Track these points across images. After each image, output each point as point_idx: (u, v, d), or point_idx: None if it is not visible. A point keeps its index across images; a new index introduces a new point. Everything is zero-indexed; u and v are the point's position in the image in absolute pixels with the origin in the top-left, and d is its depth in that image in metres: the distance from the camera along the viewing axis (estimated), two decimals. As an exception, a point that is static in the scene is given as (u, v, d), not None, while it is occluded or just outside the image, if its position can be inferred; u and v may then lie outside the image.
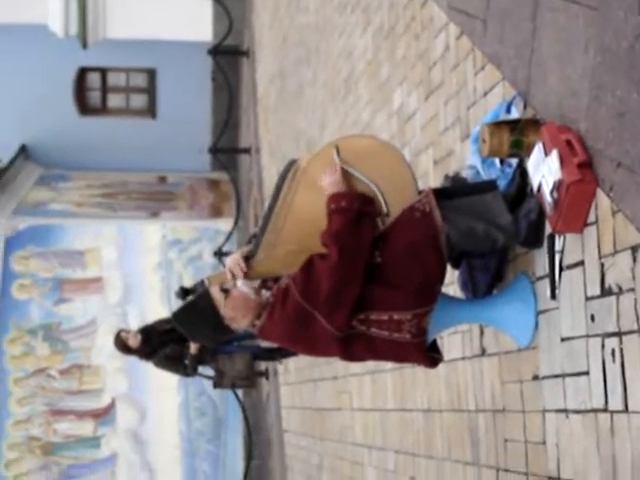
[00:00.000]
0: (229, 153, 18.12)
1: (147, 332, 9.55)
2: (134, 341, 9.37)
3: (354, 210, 3.97)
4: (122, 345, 9.52)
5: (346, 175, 4.04)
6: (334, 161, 4.05)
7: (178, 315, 4.23)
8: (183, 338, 8.78)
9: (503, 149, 3.99)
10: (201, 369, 10.16)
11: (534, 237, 4.05)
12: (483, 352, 4.93)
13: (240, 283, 4.08)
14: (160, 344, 9.41)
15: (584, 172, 3.48)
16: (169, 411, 16.75)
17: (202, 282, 4.31)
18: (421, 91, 6.06)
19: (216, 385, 10.85)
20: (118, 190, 18.63)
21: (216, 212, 18.25)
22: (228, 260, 4.21)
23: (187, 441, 16.80)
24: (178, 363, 9.60)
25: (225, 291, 4.07)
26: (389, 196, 4.07)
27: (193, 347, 9.40)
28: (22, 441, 16.54)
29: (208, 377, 10.91)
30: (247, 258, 4.16)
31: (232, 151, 18.15)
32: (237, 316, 4.07)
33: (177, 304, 4.33)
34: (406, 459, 6.59)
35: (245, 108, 17.57)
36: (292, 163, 4.16)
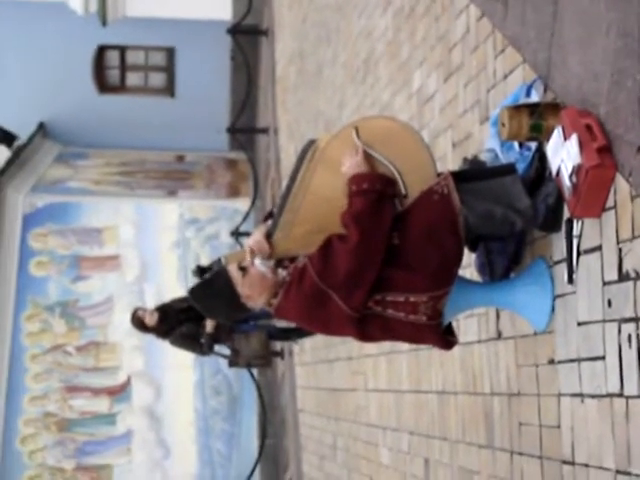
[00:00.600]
0: (247, 133, 18.11)
1: (164, 310, 9.57)
2: (151, 319, 9.40)
3: (376, 192, 3.97)
4: (139, 323, 9.55)
5: (367, 156, 4.04)
6: (354, 142, 4.05)
7: (195, 291, 4.25)
8: (200, 317, 8.80)
9: (522, 133, 3.98)
10: (217, 348, 10.18)
11: (552, 221, 4.04)
12: (499, 335, 4.93)
13: (258, 262, 4.09)
14: (177, 322, 9.43)
15: (603, 157, 3.47)
16: (185, 389, 16.82)
17: (219, 261, 4.32)
18: (441, 73, 6.04)
19: (231, 364, 10.87)
20: (136, 168, 18.66)
21: (233, 192, 18.26)
22: (250, 239, 4.21)
23: (202, 419, 16.87)
24: (194, 342, 9.61)
25: (243, 269, 4.08)
26: (407, 177, 4.06)
27: (209, 325, 9.41)
28: (38, 417, 16.64)
29: (224, 356, 10.93)
30: (267, 237, 4.17)
31: (250, 131, 18.14)
32: (254, 294, 4.09)
33: (194, 283, 4.32)
34: (420, 440, 6.61)
35: (264, 88, 17.54)
36: (311, 143, 4.16)
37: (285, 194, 4.16)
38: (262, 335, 10.31)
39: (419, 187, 4.05)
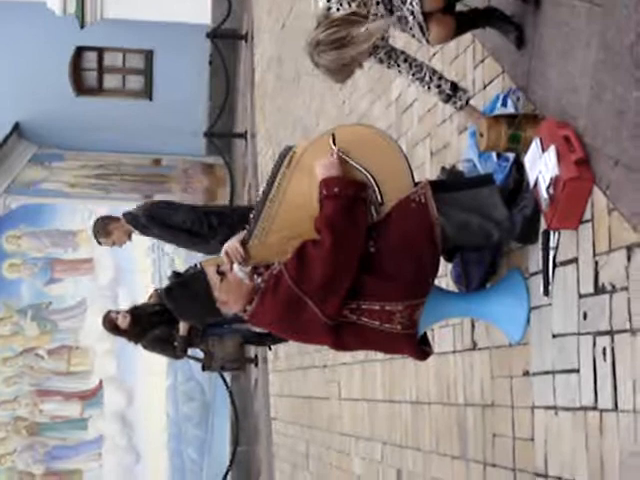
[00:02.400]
0: (224, 137, 18.06)
1: (137, 313, 9.49)
2: (123, 322, 9.31)
3: (346, 196, 3.94)
4: (111, 326, 9.46)
5: (342, 163, 4.01)
6: (330, 149, 4.02)
7: (171, 291, 4.22)
8: (173, 319, 8.71)
9: (500, 143, 3.97)
10: (191, 351, 10.12)
11: (529, 232, 4.04)
12: (474, 346, 4.91)
13: (237, 268, 4.07)
14: (150, 325, 9.34)
15: (581, 169, 3.46)
16: (157, 395, 16.74)
17: (195, 266, 4.30)
18: (419, 82, 6.02)
19: (205, 367, 10.82)
20: (112, 171, 18.57)
21: (210, 196, 18.21)
22: (226, 245, 4.19)
23: (174, 425, 16.80)
24: (167, 345, 9.53)
25: (221, 274, 4.06)
26: (384, 186, 4.04)
27: (182, 328, 9.35)
28: (8, 421, 16.52)
29: (197, 359, 10.87)
30: (243, 244, 4.16)
31: (227, 136, 18.08)
32: (230, 300, 4.06)
33: (165, 283, 4.30)
34: (393, 450, 6.58)
35: (242, 93, 17.50)
36: (288, 149, 4.14)
37: (261, 201, 4.14)
38: (237, 339, 10.26)
39: (395, 196, 4.04)
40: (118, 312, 9.42)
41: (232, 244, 4.16)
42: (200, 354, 10.62)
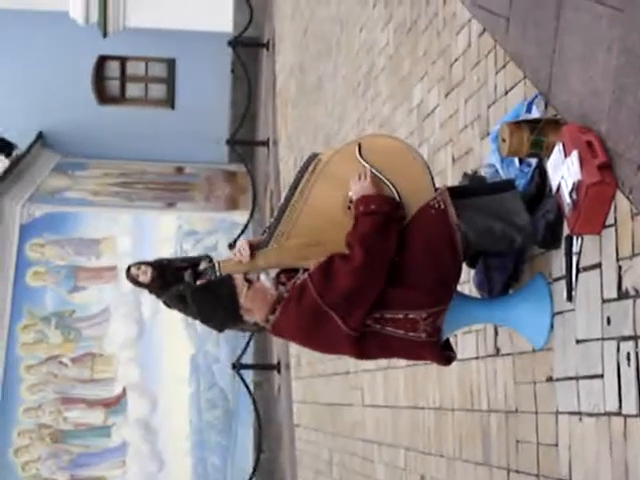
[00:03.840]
0: (246, 145, 18.10)
1: (161, 266, 9.28)
2: (144, 277, 9.14)
3: (383, 214, 3.95)
4: (133, 280, 9.30)
5: (373, 177, 4.03)
6: (356, 158, 4.04)
7: (197, 292, 4.23)
8: (197, 276, 8.61)
9: (523, 149, 3.96)
10: None
11: (552, 238, 4.03)
12: (497, 352, 4.90)
13: (263, 277, 4.09)
14: (174, 279, 9.14)
15: (604, 174, 3.45)
16: (180, 402, 16.76)
17: (213, 266, 4.30)
18: (441, 88, 6.03)
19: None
20: (135, 180, 18.64)
21: (232, 204, 18.25)
22: (238, 244, 4.23)
23: (197, 432, 16.81)
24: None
25: (248, 281, 4.07)
26: (405, 197, 4.05)
27: None
28: (32, 428, 16.57)
29: None
30: (257, 246, 4.17)
31: (250, 143, 18.12)
32: (254, 308, 4.08)
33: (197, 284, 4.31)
34: (416, 457, 6.57)
35: (264, 101, 17.54)
36: (313, 157, 4.16)
37: (283, 205, 4.16)
38: None
39: (416, 208, 4.05)
40: (139, 267, 9.23)
41: (242, 241, 4.20)
42: None
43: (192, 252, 17.42)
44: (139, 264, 9.31)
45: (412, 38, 6.85)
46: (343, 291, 3.88)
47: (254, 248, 4.18)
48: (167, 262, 9.46)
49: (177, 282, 9.07)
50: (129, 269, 9.31)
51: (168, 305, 9.46)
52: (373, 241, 3.90)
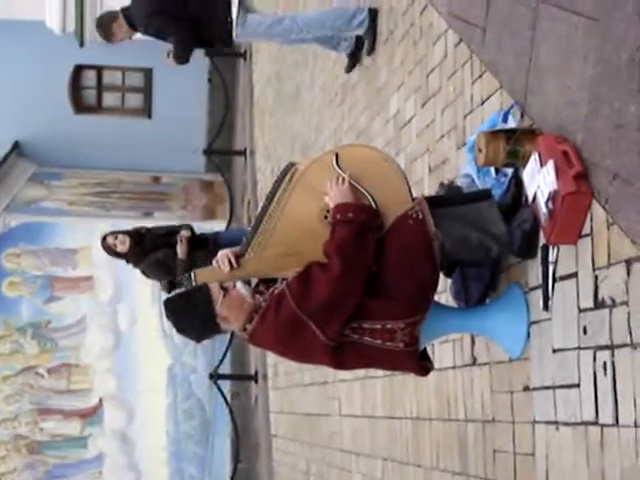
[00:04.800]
0: (224, 155, 18.08)
1: (139, 235, 9.08)
2: (122, 247, 8.93)
3: (360, 222, 3.94)
4: (110, 250, 9.08)
5: (351, 187, 4.03)
6: (333, 168, 4.03)
7: (171, 302, 4.19)
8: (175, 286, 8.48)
9: (499, 158, 3.97)
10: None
11: (528, 247, 4.03)
12: (474, 361, 4.90)
13: (240, 285, 4.07)
14: (152, 246, 8.97)
15: (580, 183, 3.46)
16: (157, 412, 16.71)
17: (189, 275, 4.27)
18: (418, 98, 6.04)
19: None
20: (112, 189, 18.58)
21: (209, 214, 18.21)
22: (218, 254, 4.19)
23: (174, 443, 16.76)
24: (168, 271, 9.11)
25: (224, 289, 4.05)
26: (383, 207, 4.05)
27: (181, 251, 8.94)
28: (8, 439, 16.47)
29: None
30: (237, 256, 4.16)
31: (227, 153, 18.10)
32: (230, 316, 4.05)
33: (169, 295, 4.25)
34: (394, 467, 6.56)
35: (241, 110, 17.53)
36: (290, 166, 4.15)
37: (260, 215, 4.15)
38: None
39: (393, 217, 4.04)
40: (117, 236, 9.02)
41: (223, 252, 4.17)
42: None
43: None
44: (115, 233, 9.07)
45: (389, 48, 6.86)
46: (321, 300, 3.87)
47: (239, 257, 4.16)
48: (145, 230, 9.26)
49: (155, 250, 8.89)
50: (105, 238, 9.05)
51: (147, 275, 9.26)
52: (350, 249, 3.90)
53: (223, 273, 4.16)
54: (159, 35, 7.59)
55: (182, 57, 7.54)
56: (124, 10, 7.63)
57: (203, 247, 8.84)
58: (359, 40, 7.52)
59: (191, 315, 4.12)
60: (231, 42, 7.64)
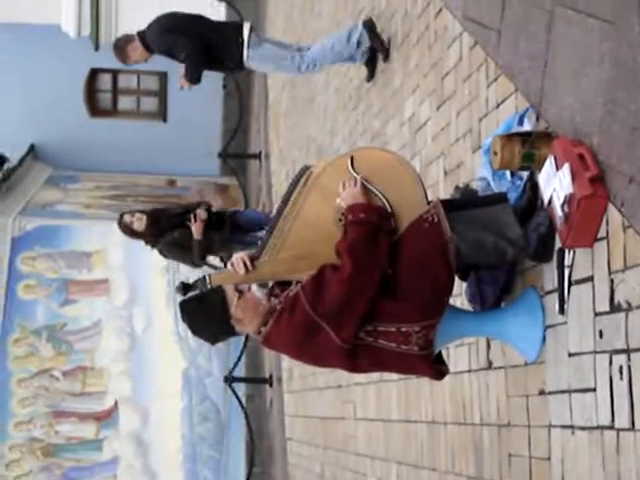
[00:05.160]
0: (238, 158, 18.10)
1: (156, 214, 8.99)
2: (139, 225, 8.84)
3: (372, 223, 3.95)
4: (127, 229, 8.99)
5: (364, 188, 4.03)
6: (348, 171, 4.04)
7: (187, 304, 4.20)
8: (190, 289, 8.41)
9: (514, 162, 3.96)
10: (210, 258, 9.48)
11: (544, 250, 4.02)
12: (489, 365, 4.89)
13: (254, 288, 4.08)
14: (169, 226, 8.89)
15: (596, 187, 3.45)
16: (172, 415, 16.71)
17: (203, 278, 4.29)
18: (433, 101, 6.03)
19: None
20: (127, 192, 18.62)
21: (224, 217, 18.21)
22: (233, 257, 4.20)
23: (189, 446, 16.76)
24: (185, 250, 8.99)
25: (239, 292, 4.06)
26: (397, 210, 4.05)
27: (196, 231, 8.88)
28: (23, 442, 16.50)
29: (217, 268, 9.81)
30: (252, 259, 4.17)
31: (242, 156, 18.13)
32: (245, 318, 4.06)
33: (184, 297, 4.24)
34: (409, 471, 6.55)
35: (256, 114, 17.55)
36: (305, 169, 4.16)
37: (275, 218, 4.16)
38: None
39: (408, 221, 4.04)
40: (133, 214, 8.98)
41: (238, 255, 4.17)
42: (220, 263, 9.93)
43: (183, 266, 17.39)
44: (133, 212, 9.07)
45: (403, 51, 6.86)
46: (334, 301, 3.87)
47: (254, 260, 4.17)
48: (161, 209, 9.21)
49: (171, 229, 8.83)
50: (122, 217, 8.97)
51: (165, 255, 9.20)
52: (361, 249, 3.90)
53: (238, 276, 4.17)
54: (171, 52, 7.86)
55: (194, 74, 7.71)
56: (140, 33, 7.92)
57: (220, 227, 8.74)
58: (372, 48, 7.55)
59: (206, 317, 4.13)
60: (242, 65, 7.87)
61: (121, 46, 8.05)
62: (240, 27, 7.75)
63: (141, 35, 7.93)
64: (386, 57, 7.39)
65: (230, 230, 9.10)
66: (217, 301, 4.08)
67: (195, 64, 7.75)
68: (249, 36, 7.64)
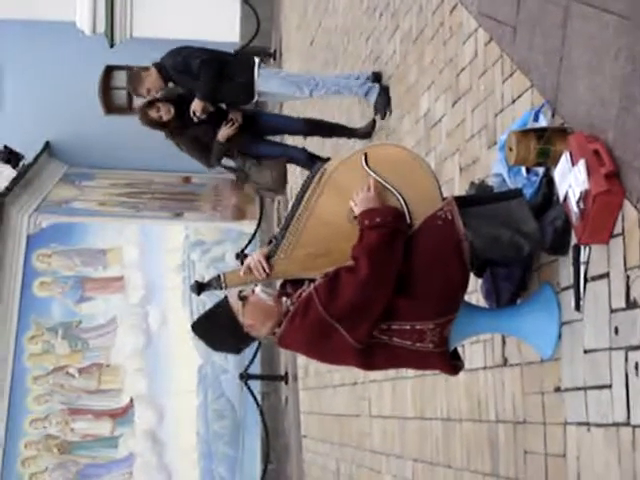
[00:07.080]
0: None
1: (182, 101, 8.49)
2: (167, 115, 8.57)
3: (388, 226, 3.93)
4: (149, 119, 8.67)
5: (377, 187, 4.02)
6: (362, 168, 4.03)
7: (197, 326, 4.20)
8: (219, 120, 8.40)
9: (530, 158, 3.95)
10: (225, 161, 9.25)
11: (560, 243, 4.01)
12: (505, 362, 4.88)
13: (258, 289, 4.07)
14: (192, 122, 8.47)
15: (611, 183, 3.43)
16: (187, 413, 16.72)
17: (218, 277, 4.29)
18: (448, 97, 6.02)
19: (239, 179, 9.85)
20: (142, 190, 18.65)
21: (240, 214, 18.23)
22: (249, 258, 4.19)
23: (205, 443, 16.77)
24: (204, 149, 8.71)
25: (242, 298, 4.04)
26: (413, 207, 4.04)
27: (221, 134, 8.48)
28: (39, 439, 16.55)
29: (231, 169, 9.48)
30: (267, 258, 4.16)
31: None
32: (256, 323, 4.05)
33: (196, 301, 4.26)
34: (424, 468, 6.54)
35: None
36: (320, 166, 4.15)
37: (289, 216, 4.15)
38: (279, 167, 8.99)
39: (423, 217, 4.03)
40: (158, 108, 8.49)
41: (255, 258, 4.16)
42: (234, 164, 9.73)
43: (199, 263, 17.43)
44: (154, 102, 8.55)
45: (419, 47, 6.85)
46: (349, 304, 3.86)
47: (269, 258, 4.17)
48: (188, 102, 8.53)
49: (194, 125, 8.62)
50: (145, 113, 8.59)
51: (180, 148, 9.05)
52: (379, 254, 3.88)
53: (253, 276, 4.16)
54: (186, 62, 8.12)
55: (207, 84, 7.97)
56: (155, 64, 8.28)
57: (243, 130, 8.61)
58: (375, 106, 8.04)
59: (220, 333, 4.14)
60: (249, 100, 8.32)
61: (136, 72, 8.32)
62: (252, 67, 8.18)
63: (156, 65, 8.24)
64: (382, 117, 7.90)
65: (252, 134, 8.89)
66: (224, 314, 4.07)
67: (209, 72, 7.96)
68: (259, 64, 8.22)
